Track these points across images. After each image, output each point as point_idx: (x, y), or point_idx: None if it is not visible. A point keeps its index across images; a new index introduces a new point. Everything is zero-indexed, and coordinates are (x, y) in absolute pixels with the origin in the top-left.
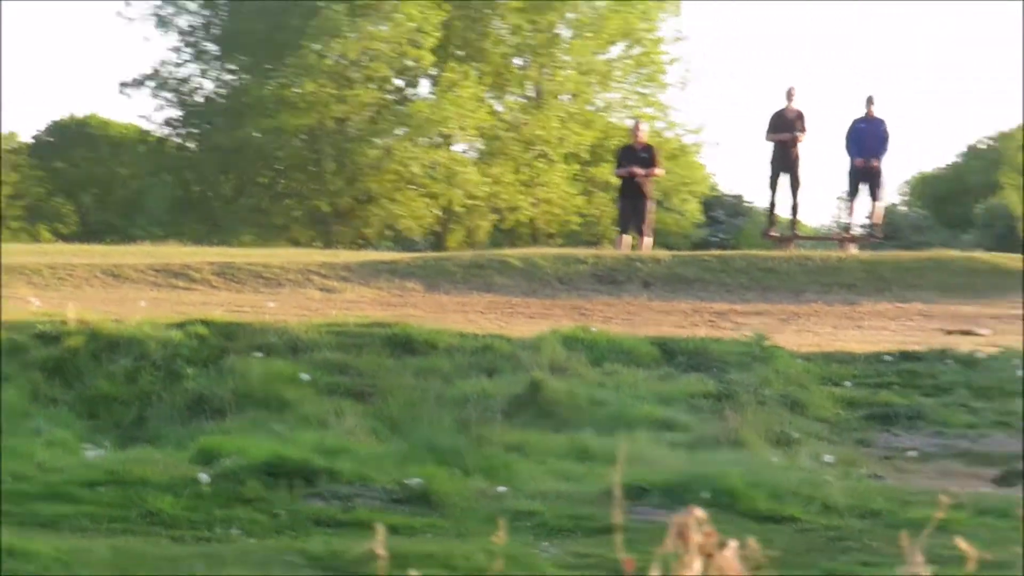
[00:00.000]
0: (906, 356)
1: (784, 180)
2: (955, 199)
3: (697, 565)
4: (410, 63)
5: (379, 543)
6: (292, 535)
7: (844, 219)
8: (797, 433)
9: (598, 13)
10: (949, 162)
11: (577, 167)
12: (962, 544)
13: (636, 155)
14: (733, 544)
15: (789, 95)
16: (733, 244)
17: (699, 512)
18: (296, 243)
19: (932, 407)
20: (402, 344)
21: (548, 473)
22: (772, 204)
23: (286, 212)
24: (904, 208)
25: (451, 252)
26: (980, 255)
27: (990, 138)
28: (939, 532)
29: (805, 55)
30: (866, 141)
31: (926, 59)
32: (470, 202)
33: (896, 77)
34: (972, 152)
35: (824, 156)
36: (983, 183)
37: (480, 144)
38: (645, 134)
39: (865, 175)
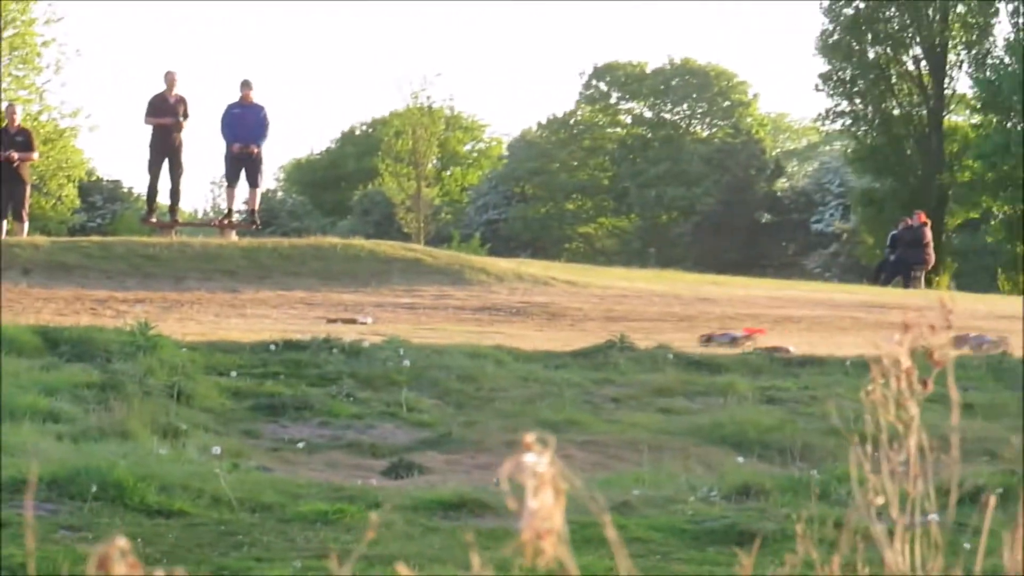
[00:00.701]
0: (290, 345)
1: (165, 165)
2: (332, 185)
3: None
4: None
5: None
6: None
7: (223, 205)
8: (184, 424)
9: None
10: (324, 148)
11: None
12: (402, 570)
13: (12, 139)
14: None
15: (170, 80)
16: (111, 230)
17: (122, 541)
18: None
19: (318, 397)
20: None
21: None
22: (152, 190)
23: None
24: (282, 194)
25: None
26: (359, 242)
27: (365, 124)
28: (329, 526)
29: (185, 38)
30: (244, 126)
31: (303, 45)
32: None
33: (272, 62)
34: (347, 138)
35: (204, 141)
36: (359, 169)
37: None
38: (20, 117)
39: (243, 161)
